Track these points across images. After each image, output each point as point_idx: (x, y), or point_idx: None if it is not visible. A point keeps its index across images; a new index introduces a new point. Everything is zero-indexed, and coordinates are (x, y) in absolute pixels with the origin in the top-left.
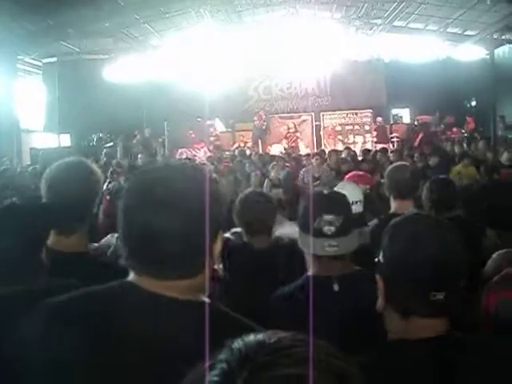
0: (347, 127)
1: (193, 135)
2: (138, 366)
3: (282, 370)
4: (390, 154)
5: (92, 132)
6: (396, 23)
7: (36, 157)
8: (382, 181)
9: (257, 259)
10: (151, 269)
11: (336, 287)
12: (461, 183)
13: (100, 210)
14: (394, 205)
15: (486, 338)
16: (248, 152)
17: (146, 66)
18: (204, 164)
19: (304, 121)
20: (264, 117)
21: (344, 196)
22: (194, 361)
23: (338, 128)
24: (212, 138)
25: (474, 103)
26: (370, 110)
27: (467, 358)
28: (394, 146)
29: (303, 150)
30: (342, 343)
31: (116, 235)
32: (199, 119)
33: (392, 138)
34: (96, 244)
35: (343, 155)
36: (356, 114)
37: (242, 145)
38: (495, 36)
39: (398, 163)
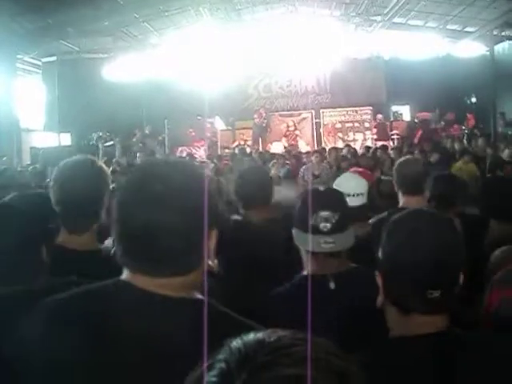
0: (347, 124)
1: (193, 133)
2: (134, 365)
3: (282, 370)
4: (391, 152)
5: (92, 131)
6: (395, 20)
7: (36, 156)
8: (383, 177)
9: (254, 233)
10: (145, 266)
11: (332, 285)
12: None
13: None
14: (402, 200)
15: (486, 336)
16: (248, 150)
17: (145, 65)
18: (204, 162)
19: (304, 119)
20: (264, 115)
21: (340, 192)
22: (190, 359)
23: (338, 125)
24: (209, 134)
25: (474, 100)
26: (370, 108)
27: (467, 355)
28: (394, 143)
29: (303, 148)
30: (339, 342)
31: None
32: (199, 117)
33: (392, 135)
34: (107, 242)
35: (344, 152)
36: (356, 111)
37: (242, 143)
38: (495, 32)
39: (407, 157)
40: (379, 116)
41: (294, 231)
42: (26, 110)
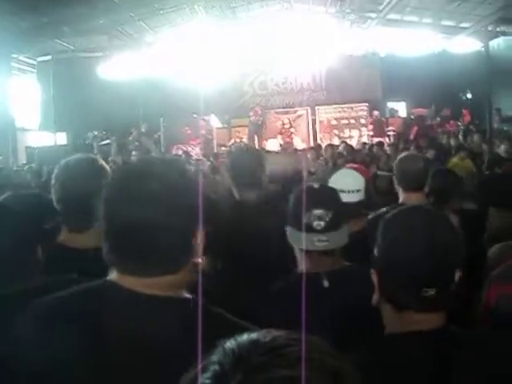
0: (343, 121)
1: (189, 131)
2: (121, 365)
3: (277, 371)
4: (387, 148)
5: (88, 130)
6: (391, 17)
7: (32, 155)
8: (379, 173)
9: (245, 212)
10: (132, 265)
11: (326, 283)
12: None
13: None
14: (402, 197)
15: (482, 334)
16: None
17: (141, 63)
18: (200, 160)
19: (299, 116)
20: (260, 112)
21: (334, 190)
22: (178, 359)
23: (334, 122)
24: (203, 132)
25: (469, 96)
26: (366, 104)
27: (462, 353)
28: (390, 139)
29: (299, 145)
30: (333, 340)
31: None
32: (195, 115)
33: (388, 131)
34: None
35: (340, 149)
36: (351, 108)
37: (238, 140)
38: (490, 28)
39: (407, 154)
40: (375, 113)
41: (288, 229)
42: (21, 110)
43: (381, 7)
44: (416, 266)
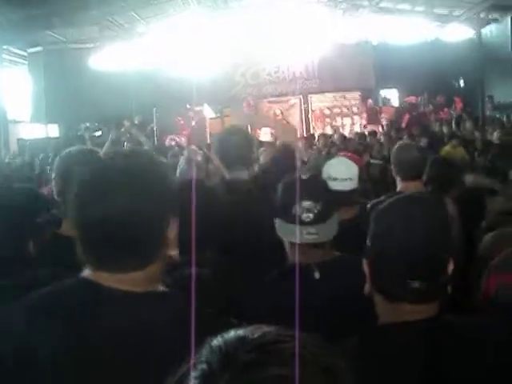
0: (335, 110)
1: (181, 122)
2: (103, 363)
3: (266, 370)
4: (381, 136)
5: (80, 122)
6: (383, 5)
7: (23, 147)
8: (372, 161)
9: (239, 200)
10: (105, 261)
11: (317, 275)
12: None
13: None
14: (400, 185)
15: (477, 322)
16: None
17: (132, 54)
18: (192, 150)
19: (292, 105)
20: (252, 102)
21: (322, 181)
22: (159, 353)
23: (327, 111)
24: (193, 123)
25: (462, 83)
26: (358, 93)
27: (456, 341)
28: (383, 127)
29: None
30: (325, 332)
31: None
32: (188, 106)
33: (381, 119)
34: None
35: (334, 138)
36: (344, 96)
37: None
38: (482, 15)
39: (404, 143)
40: (369, 101)
41: (277, 221)
42: (12, 102)
43: None
44: (402, 258)
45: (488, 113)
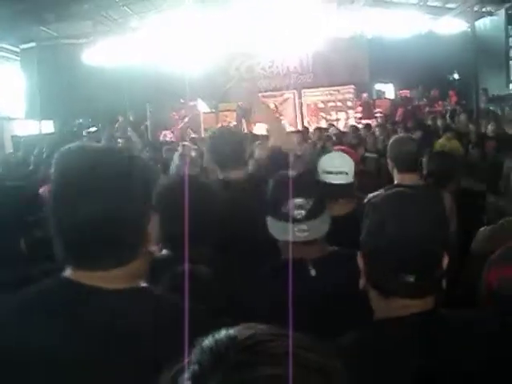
0: (329, 104)
1: (176, 117)
2: (81, 361)
3: (258, 370)
4: (376, 129)
5: (75, 118)
6: None
7: (18, 144)
8: (367, 155)
9: (235, 195)
10: (85, 259)
11: (313, 272)
12: None
13: None
14: (397, 178)
15: (472, 315)
16: None
17: (126, 49)
18: (185, 145)
19: (286, 99)
20: (247, 97)
21: (313, 176)
22: (141, 348)
23: (321, 105)
24: (186, 120)
25: (456, 76)
26: (353, 86)
27: (451, 336)
28: (377, 121)
29: (287, 128)
30: (318, 329)
31: None
32: (182, 101)
33: (376, 113)
34: None
35: (331, 131)
36: (338, 90)
37: (226, 125)
38: (476, 8)
39: (401, 136)
40: (364, 95)
41: (268, 219)
42: (6, 98)
43: None
44: (394, 252)
45: (482, 105)
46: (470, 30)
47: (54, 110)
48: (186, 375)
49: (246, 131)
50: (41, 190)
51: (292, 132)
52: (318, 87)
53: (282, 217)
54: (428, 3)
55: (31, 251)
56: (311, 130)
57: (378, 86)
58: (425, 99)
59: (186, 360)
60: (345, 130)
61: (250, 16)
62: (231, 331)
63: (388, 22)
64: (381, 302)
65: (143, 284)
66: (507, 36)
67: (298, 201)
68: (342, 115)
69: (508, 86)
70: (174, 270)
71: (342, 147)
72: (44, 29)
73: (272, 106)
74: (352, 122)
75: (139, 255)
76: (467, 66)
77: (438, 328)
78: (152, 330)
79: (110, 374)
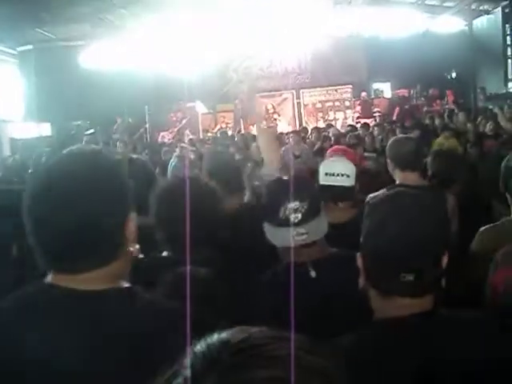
0: (327, 104)
1: (174, 118)
2: (61, 363)
3: (255, 371)
4: (375, 128)
5: (72, 120)
6: None
7: (16, 147)
8: (365, 154)
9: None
10: (65, 263)
11: (313, 274)
12: None
13: None
14: (398, 178)
15: (469, 316)
16: (230, 132)
17: (124, 51)
18: (183, 147)
19: (284, 99)
20: (245, 98)
21: (306, 179)
22: (127, 349)
23: (319, 105)
24: (184, 121)
25: (454, 75)
26: (350, 86)
27: (450, 336)
28: (376, 120)
29: (285, 129)
30: (318, 330)
31: None
32: (181, 102)
33: (374, 112)
34: None
35: (330, 132)
36: (336, 90)
37: (224, 126)
38: (473, 7)
39: (400, 136)
40: (363, 94)
41: (265, 225)
42: (3, 101)
43: None
44: (392, 251)
45: (480, 104)
46: (467, 28)
47: (51, 113)
48: (177, 380)
49: (243, 132)
50: None
51: (290, 132)
52: (315, 87)
53: (279, 222)
54: (425, 2)
55: (23, 257)
56: (310, 129)
57: (376, 86)
58: (423, 98)
59: (179, 364)
60: (342, 130)
61: (247, 16)
62: (224, 335)
63: (385, 20)
64: (380, 301)
65: (126, 284)
66: (504, 34)
67: (294, 204)
68: (340, 115)
69: (506, 85)
70: (174, 271)
71: (341, 147)
72: (41, 31)
73: (270, 106)
74: (350, 121)
75: (120, 255)
76: (465, 65)
77: (438, 328)
78: (130, 329)
79: (91, 376)
